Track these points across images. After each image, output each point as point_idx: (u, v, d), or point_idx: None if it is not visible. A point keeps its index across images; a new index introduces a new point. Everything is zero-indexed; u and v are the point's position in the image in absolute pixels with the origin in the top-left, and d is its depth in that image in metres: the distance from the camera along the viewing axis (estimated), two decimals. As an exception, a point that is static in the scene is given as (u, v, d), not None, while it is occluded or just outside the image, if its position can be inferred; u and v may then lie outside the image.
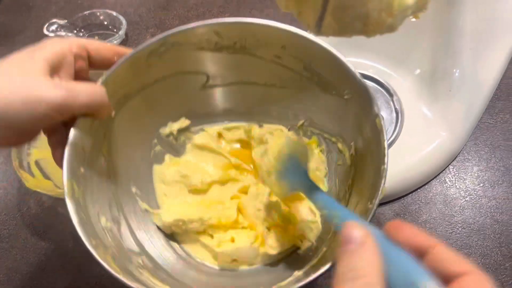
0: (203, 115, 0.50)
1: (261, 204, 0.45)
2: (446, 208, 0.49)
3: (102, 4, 0.75)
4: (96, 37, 0.71)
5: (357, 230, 0.24)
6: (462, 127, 0.51)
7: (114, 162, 0.41)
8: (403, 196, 0.50)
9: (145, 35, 0.71)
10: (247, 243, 0.44)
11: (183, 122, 0.49)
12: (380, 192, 0.33)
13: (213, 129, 0.50)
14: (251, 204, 0.46)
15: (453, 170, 0.52)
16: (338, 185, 0.45)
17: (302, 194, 0.39)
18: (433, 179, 0.51)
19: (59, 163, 0.34)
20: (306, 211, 0.44)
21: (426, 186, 0.51)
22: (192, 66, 0.44)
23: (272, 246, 0.44)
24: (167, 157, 0.49)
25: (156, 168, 0.48)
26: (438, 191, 0.50)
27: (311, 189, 0.35)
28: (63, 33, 0.70)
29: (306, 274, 0.34)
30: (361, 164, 0.41)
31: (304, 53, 0.41)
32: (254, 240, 0.44)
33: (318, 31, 0.28)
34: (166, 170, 0.48)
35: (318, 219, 0.43)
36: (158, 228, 0.45)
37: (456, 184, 0.51)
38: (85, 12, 0.70)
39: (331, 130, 0.46)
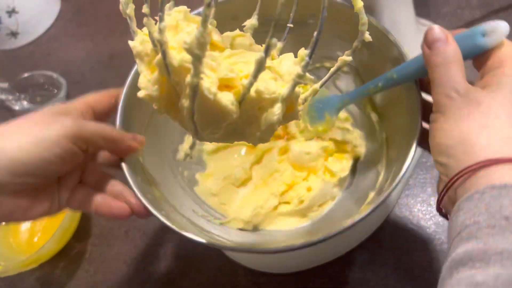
0: None
1: (307, 148, 0.49)
2: (380, 268, 0.49)
3: (45, 64, 0.75)
4: (38, 98, 0.71)
5: (438, 30, 0.30)
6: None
7: (172, 202, 0.42)
8: (337, 258, 0.50)
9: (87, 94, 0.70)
10: (321, 183, 0.48)
11: (189, 140, 0.51)
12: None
13: None
14: (298, 155, 0.48)
15: (387, 229, 0.52)
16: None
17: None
18: (366, 239, 0.51)
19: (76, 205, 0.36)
20: (338, 131, 0.50)
21: (359, 247, 0.51)
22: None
23: (339, 170, 0.48)
24: (198, 175, 0.51)
25: (197, 189, 0.50)
26: (371, 251, 0.50)
27: (345, 100, 0.42)
28: (3, 97, 0.69)
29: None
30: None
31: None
32: (324, 176, 0.49)
33: (201, 139, 0.29)
34: (208, 185, 0.50)
35: (350, 127, 0.50)
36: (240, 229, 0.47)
37: (390, 243, 0.51)
38: (26, 74, 0.70)
39: (320, 59, 0.49)
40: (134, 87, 0.38)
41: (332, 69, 0.32)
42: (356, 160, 0.50)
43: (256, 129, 0.28)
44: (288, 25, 0.31)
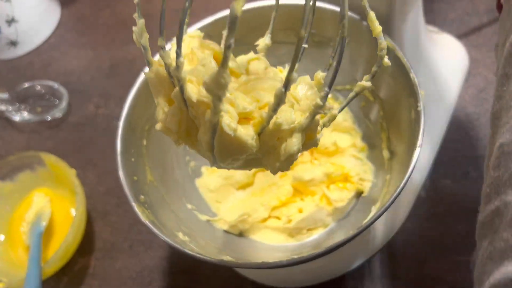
0: None
1: (311, 174, 0.47)
2: (394, 282, 0.48)
3: (45, 74, 0.74)
4: (39, 109, 0.69)
5: None
6: (405, 196, 0.51)
7: (162, 187, 0.44)
8: (349, 271, 0.49)
9: (88, 104, 0.69)
10: (314, 207, 0.47)
11: None
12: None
13: None
14: (300, 179, 0.47)
15: (399, 241, 0.51)
16: (372, 126, 0.48)
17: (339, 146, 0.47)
18: (378, 251, 0.50)
19: None
20: (352, 160, 0.48)
21: (372, 259, 0.50)
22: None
23: (337, 199, 0.47)
24: (204, 169, 0.51)
25: (198, 181, 0.50)
26: (384, 264, 0.49)
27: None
28: (3, 107, 0.68)
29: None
30: (390, 100, 0.43)
31: (292, 22, 0.43)
32: (320, 202, 0.47)
33: (219, 167, 0.29)
34: (209, 180, 0.50)
35: (364, 158, 0.48)
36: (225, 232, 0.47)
37: (404, 255, 0.50)
38: (26, 85, 0.69)
39: (342, 81, 0.48)
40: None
41: (350, 95, 0.31)
42: (359, 193, 0.48)
43: (275, 160, 0.27)
44: (303, 45, 0.30)
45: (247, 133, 0.25)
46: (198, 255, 0.34)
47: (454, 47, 0.59)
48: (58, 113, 0.67)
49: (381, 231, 0.50)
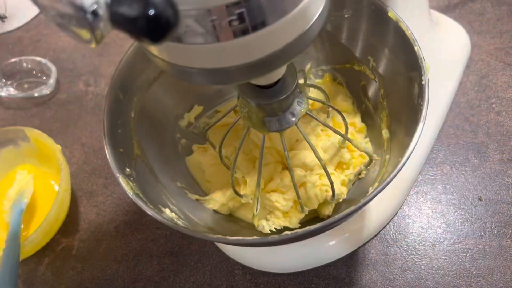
0: (213, 96, 0.51)
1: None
2: (387, 270, 0.46)
3: (34, 50, 0.71)
4: (26, 85, 0.67)
5: None
6: (402, 181, 0.49)
7: (150, 163, 0.42)
8: (341, 258, 0.47)
9: (77, 82, 0.67)
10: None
11: (197, 109, 0.50)
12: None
13: (227, 108, 0.49)
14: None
15: (393, 228, 0.49)
16: (372, 106, 0.46)
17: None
18: (373, 238, 0.48)
19: None
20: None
21: (365, 246, 0.48)
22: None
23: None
24: (195, 147, 0.49)
25: (189, 159, 0.49)
26: (378, 251, 0.47)
27: None
28: (-11, 82, 0.66)
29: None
30: (391, 76, 0.41)
31: None
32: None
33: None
34: (201, 158, 0.48)
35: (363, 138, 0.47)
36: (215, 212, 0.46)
37: (398, 242, 0.48)
38: (12, 60, 0.66)
39: (341, 59, 0.47)
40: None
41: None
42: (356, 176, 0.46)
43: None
44: None
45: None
46: (183, 229, 0.32)
47: (456, 31, 0.57)
48: (45, 90, 0.65)
49: (375, 218, 0.48)
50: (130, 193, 0.33)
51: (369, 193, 0.37)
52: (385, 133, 0.42)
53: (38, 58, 0.66)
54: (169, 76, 0.45)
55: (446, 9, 0.63)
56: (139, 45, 0.41)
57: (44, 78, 0.66)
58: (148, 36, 0.17)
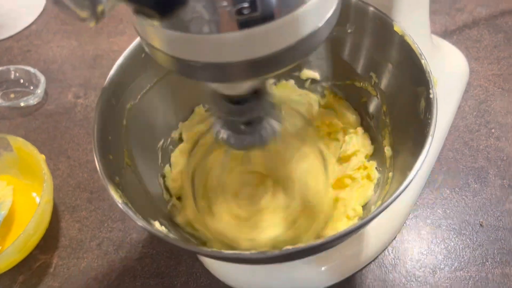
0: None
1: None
2: (385, 297, 0.44)
3: (24, 60, 0.69)
4: (12, 95, 0.64)
5: None
6: (402, 204, 0.47)
7: (140, 173, 0.40)
8: (337, 284, 0.45)
9: (67, 93, 0.65)
10: None
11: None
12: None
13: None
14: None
15: (392, 252, 0.47)
16: (374, 123, 0.45)
17: None
18: (371, 262, 0.46)
19: None
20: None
21: (363, 271, 0.46)
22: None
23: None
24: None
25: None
26: (376, 277, 0.45)
27: None
28: (-27, 90, 0.63)
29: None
30: (394, 92, 0.40)
31: None
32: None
33: None
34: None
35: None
36: None
37: (396, 268, 0.45)
38: (0, 68, 0.64)
39: (342, 75, 0.46)
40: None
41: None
42: None
43: None
44: None
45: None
46: (175, 241, 0.29)
47: (455, 55, 0.57)
48: (32, 100, 0.62)
49: (373, 241, 0.46)
50: (119, 201, 0.31)
51: (372, 211, 0.35)
52: (387, 150, 0.41)
53: (27, 68, 0.64)
54: (165, 84, 0.43)
55: (443, 35, 0.63)
56: (140, 43, 0.39)
57: (32, 88, 0.64)
58: (157, 7, 0.15)
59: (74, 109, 0.63)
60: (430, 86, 0.33)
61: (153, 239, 0.49)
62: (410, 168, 0.31)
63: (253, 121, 0.31)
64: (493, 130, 0.53)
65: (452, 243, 0.46)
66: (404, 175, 0.31)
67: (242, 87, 0.28)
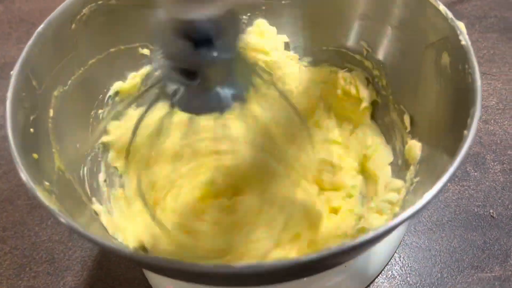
0: None
1: None
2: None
3: None
4: None
5: None
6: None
7: (75, 180, 0.30)
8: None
9: None
10: None
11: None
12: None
13: None
14: None
15: (400, 260, 0.39)
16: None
17: None
18: (378, 275, 0.38)
19: None
20: None
21: (370, 286, 0.37)
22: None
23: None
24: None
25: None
26: (388, 292, 0.37)
27: None
28: None
29: None
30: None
31: None
32: None
33: None
34: None
35: None
36: None
37: (409, 277, 0.37)
38: None
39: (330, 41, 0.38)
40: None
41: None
42: None
43: None
44: None
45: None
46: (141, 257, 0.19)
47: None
48: None
49: (381, 249, 0.38)
50: (53, 208, 0.20)
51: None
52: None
53: None
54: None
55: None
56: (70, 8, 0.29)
57: None
58: None
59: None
60: (459, 33, 0.27)
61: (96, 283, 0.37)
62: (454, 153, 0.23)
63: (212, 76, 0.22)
64: (478, 114, 0.49)
65: (465, 241, 0.39)
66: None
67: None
